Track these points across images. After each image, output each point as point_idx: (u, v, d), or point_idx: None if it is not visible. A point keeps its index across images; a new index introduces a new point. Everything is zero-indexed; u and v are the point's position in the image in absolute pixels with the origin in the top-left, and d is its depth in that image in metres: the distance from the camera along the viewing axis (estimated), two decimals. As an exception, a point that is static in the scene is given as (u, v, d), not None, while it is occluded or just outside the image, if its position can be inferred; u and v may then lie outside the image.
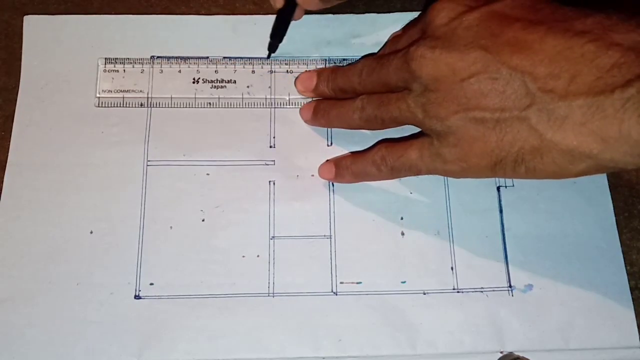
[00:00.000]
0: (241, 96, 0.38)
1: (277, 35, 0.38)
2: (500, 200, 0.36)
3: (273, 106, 0.38)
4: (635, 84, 0.24)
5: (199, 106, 0.37)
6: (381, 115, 0.32)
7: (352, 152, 0.36)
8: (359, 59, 0.38)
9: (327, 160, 0.36)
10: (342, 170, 0.35)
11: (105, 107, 0.37)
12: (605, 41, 0.25)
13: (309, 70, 0.38)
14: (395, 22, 0.39)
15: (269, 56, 0.39)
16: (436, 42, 0.29)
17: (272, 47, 0.38)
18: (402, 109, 0.31)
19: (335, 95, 0.36)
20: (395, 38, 0.37)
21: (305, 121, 0.37)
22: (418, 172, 0.32)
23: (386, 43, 0.38)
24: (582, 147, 0.26)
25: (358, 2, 0.40)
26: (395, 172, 0.33)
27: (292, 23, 0.38)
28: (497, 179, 0.36)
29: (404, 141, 0.33)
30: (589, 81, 0.25)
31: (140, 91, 0.38)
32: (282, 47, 0.38)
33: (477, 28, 0.28)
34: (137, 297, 0.33)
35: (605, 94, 0.25)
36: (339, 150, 0.36)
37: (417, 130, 0.32)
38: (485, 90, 0.28)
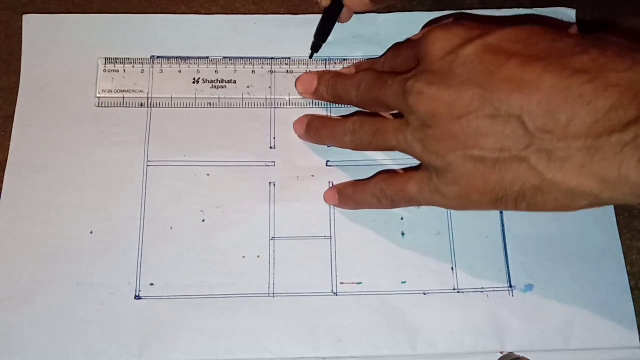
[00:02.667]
0: (241, 96, 0.38)
1: (321, 35, 0.38)
2: (500, 200, 0.36)
3: (273, 106, 0.38)
4: (633, 127, 0.24)
5: (199, 106, 0.37)
6: (376, 142, 0.32)
7: (353, 181, 0.36)
8: (359, 64, 0.38)
9: (332, 187, 0.36)
10: (345, 198, 0.35)
11: (105, 107, 0.37)
12: (602, 81, 0.25)
13: (310, 72, 0.37)
14: (395, 22, 0.39)
15: (311, 56, 0.38)
16: (433, 77, 0.29)
17: (315, 47, 0.38)
18: (400, 140, 0.31)
19: (334, 100, 0.36)
20: (394, 51, 0.36)
21: (299, 136, 0.37)
22: (418, 205, 0.32)
23: (387, 51, 0.37)
24: (583, 187, 0.26)
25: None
26: (395, 204, 0.33)
27: (289, 23, 0.38)
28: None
29: (404, 173, 0.33)
30: (587, 123, 0.25)
31: (140, 91, 0.37)
32: (282, 47, 0.38)
33: (472, 64, 0.28)
34: (137, 297, 0.33)
35: (603, 137, 0.25)
36: (339, 152, 0.36)
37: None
38: (484, 128, 0.27)
